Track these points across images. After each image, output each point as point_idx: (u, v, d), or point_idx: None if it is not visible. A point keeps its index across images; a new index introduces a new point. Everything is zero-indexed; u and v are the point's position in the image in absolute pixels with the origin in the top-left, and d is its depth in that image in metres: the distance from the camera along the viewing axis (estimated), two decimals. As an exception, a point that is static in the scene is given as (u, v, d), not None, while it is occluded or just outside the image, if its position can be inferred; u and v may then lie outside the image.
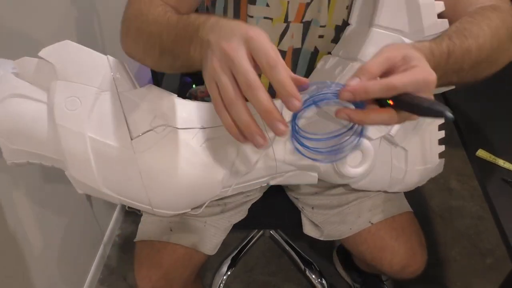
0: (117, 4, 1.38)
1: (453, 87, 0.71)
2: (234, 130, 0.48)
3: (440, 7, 0.64)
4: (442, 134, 0.77)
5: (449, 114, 0.44)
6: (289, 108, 0.45)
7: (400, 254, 0.83)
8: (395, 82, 0.47)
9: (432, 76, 0.48)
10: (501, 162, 0.79)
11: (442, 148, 0.79)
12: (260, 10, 0.75)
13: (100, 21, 1.28)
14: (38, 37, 0.95)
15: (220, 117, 0.48)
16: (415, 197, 0.85)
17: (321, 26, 0.76)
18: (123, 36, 0.68)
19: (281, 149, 0.70)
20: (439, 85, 0.58)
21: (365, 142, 0.69)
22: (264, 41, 0.46)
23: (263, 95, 0.44)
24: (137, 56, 0.67)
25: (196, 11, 1.07)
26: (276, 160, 0.71)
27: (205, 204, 0.71)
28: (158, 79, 1.23)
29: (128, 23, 0.66)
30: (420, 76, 0.48)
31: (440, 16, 0.64)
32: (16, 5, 0.88)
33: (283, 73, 0.44)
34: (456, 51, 0.56)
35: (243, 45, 0.46)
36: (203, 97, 0.98)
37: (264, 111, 0.45)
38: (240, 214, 0.90)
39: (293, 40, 0.78)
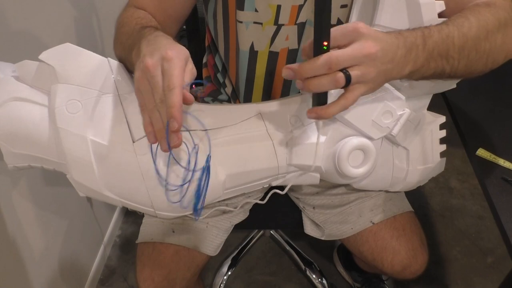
0: (117, 5, 1.38)
1: (454, 86, 0.70)
2: (149, 130, 0.57)
3: (441, 6, 0.64)
4: (443, 133, 0.77)
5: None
6: (170, 127, 0.52)
7: (401, 254, 0.83)
8: (334, 56, 0.51)
9: (373, 48, 0.52)
10: (501, 161, 0.80)
11: (444, 147, 0.79)
12: (249, 16, 0.75)
13: (99, 22, 1.28)
14: (38, 39, 0.95)
15: (142, 117, 0.58)
16: (416, 196, 0.85)
17: None
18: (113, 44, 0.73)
19: (283, 151, 0.70)
20: (432, 73, 0.60)
21: (367, 142, 0.69)
22: (175, 64, 0.52)
23: (171, 111, 0.52)
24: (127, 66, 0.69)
25: (196, 15, 1.09)
26: (278, 161, 0.71)
27: (212, 210, 0.70)
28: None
29: (115, 33, 0.73)
30: (358, 49, 0.52)
31: (441, 15, 0.64)
32: (15, 7, 0.88)
33: (175, 98, 0.51)
34: (434, 35, 0.58)
35: (160, 62, 0.53)
36: (203, 97, 0.99)
37: (170, 116, 0.52)
38: (242, 214, 0.90)
39: (288, 41, 0.78)
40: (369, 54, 0.52)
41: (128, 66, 0.67)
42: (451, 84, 0.70)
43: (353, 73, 0.53)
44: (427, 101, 0.73)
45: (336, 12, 0.74)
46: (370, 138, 0.70)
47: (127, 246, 1.47)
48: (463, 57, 0.60)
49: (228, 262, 1.35)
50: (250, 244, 1.39)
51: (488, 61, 0.63)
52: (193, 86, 1.04)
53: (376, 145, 0.71)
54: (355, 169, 0.71)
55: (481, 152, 0.81)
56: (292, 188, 0.93)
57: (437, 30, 0.58)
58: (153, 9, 0.75)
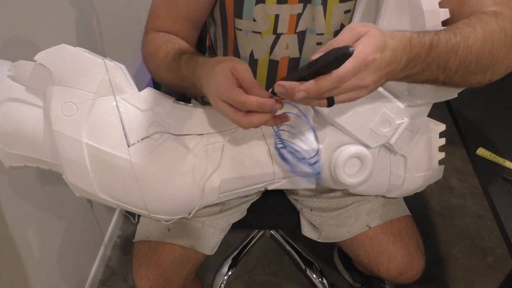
0: (117, 4, 1.38)
1: (456, 95, 0.69)
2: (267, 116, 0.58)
3: (445, 14, 0.61)
4: (442, 141, 0.76)
5: (351, 48, 0.45)
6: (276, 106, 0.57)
7: (397, 259, 0.83)
8: (338, 75, 0.49)
9: (370, 56, 0.49)
10: (501, 161, 0.80)
11: (442, 155, 0.78)
12: (247, 24, 0.75)
13: (99, 22, 1.28)
14: (37, 39, 0.95)
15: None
16: (416, 196, 0.84)
17: (317, 34, 0.75)
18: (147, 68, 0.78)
19: (279, 156, 0.70)
20: (424, 80, 0.58)
21: (364, 150, 0.69)
22: (231, 96, 0.56)
23: (256, 105, 0.56)
24: (166, 86, 0.77)
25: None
26: (274, 167, 0.70)
27: (195, 208, 0.70)
28: (157, 80, 1.23)
29: (146, 65, 0.76)
30: (358, 59, 0.49)
31: (445, 23, 0.61)
32: (15, 6, 0.88)
33: (255, 104, 0.55)
34: (440, 46, 0.55)
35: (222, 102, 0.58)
36: (203, 97, 0.98)
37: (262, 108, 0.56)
38: (239, 213, 0.90)
39: (288, 50, 0.78)
40: (366, 85, 0.51)
41: (191, 92, 0.74)
42: (453, 94, 0.69)
43: (342, 97, 0.52)
44: (427, 109, 0.72)
45: (340, 18, 0.74)
46: (367, 146, 0.69)
47: (128, 246, 1.47)
48: (461, 68, 0.58)
49: (228, 262, 1.35)
50: (251, 244, 1.39)
51: (487, 73, 0.61)
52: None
53: (373, 153, 0.70)
54: (351, 178, 0.70)
55: (481, 152, 0.81)
56: (290, 190, 0.93)
57: (445, 40, 0.55)
58: (176, 28, 0.76)
